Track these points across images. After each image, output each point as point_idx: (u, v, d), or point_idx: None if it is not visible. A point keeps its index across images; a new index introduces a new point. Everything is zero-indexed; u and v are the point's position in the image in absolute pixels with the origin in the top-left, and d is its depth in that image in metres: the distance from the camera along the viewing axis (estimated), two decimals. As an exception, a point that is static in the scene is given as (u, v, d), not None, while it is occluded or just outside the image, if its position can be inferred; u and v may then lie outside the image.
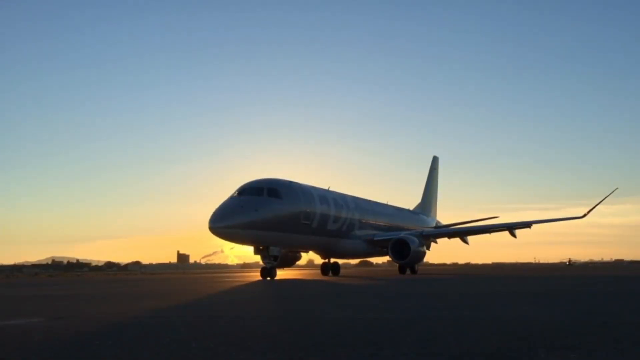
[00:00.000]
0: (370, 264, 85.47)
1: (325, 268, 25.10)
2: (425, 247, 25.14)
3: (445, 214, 49.64)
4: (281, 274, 25.14)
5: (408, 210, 34.08)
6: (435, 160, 40.35)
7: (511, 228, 27.18)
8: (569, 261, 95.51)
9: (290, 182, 19.93)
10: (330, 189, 23.61)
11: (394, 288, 10.79)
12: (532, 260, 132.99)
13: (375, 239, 24.39)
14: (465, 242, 28.89)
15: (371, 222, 25.48)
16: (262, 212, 17.39)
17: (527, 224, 26.87)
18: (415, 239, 23.49)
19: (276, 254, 18.07)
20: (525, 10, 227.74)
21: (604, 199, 26.35)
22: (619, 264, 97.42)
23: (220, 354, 3.04)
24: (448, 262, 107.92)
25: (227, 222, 16.71)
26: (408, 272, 25.27)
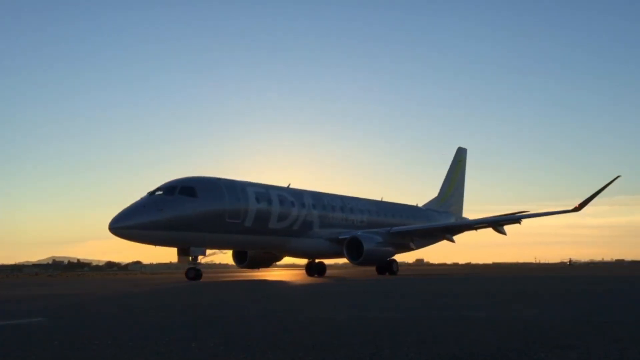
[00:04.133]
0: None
1: (310, 268, 24.24)
2: (391, 247, 22.99)
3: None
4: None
5: (408, 206, 31.21)
6: (460, 151, 35.95)
7: (498, 223, 25.75)
8: (570, 261, 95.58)
9: (217, 180, 18.99)
10: (291, 185, 22.72)
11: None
12: (533, 260, 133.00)
13: (340, 237, 22.60)
14: (451, 240, 27.11)
15: (340, 219, 23.79)
16: (168, 211, 16.72)
17: (516, 219, 25.41)
18: (375, 237, 22.03)
19: (198, 254, 17.73)
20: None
21: (601, 189, 23.12)
22: (619, 264, 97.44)
23: (220, 354, 3.04)
24: (448, 262, 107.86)
25: (126, 222, 16.22)
26: (395, 273, 23.37)
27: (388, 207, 28.40)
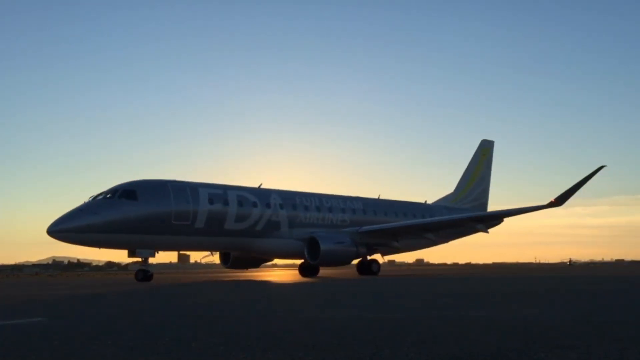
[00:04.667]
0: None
1: (304, 269, 23.67)
2: (360, 247, 22.04)
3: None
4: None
5: (409, 203, 28.98)
6: (484, 144, 32.80)
7: (479, 220, 25.10)
8: (570, 261, 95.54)
9: (165, 182, 18.87)
10: (262, 185, 22.32)
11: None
12: (533, 260, 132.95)
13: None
14: (430, 239, 25.60)
15: (315, 218, 22.82)
16: (105, 214, 16.94)
17: (497, 215, 24.72)
18: (337, 237, 21.38)
19: (146, 256, 17.88)
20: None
21: (583, 181, 21.43)
22: (619, 264, 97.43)
23: (220, 354, 3.04)
24: (449, 262, 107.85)
25: (63, 225, 16.51)
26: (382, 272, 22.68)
27: (380, 205, 26.45)
